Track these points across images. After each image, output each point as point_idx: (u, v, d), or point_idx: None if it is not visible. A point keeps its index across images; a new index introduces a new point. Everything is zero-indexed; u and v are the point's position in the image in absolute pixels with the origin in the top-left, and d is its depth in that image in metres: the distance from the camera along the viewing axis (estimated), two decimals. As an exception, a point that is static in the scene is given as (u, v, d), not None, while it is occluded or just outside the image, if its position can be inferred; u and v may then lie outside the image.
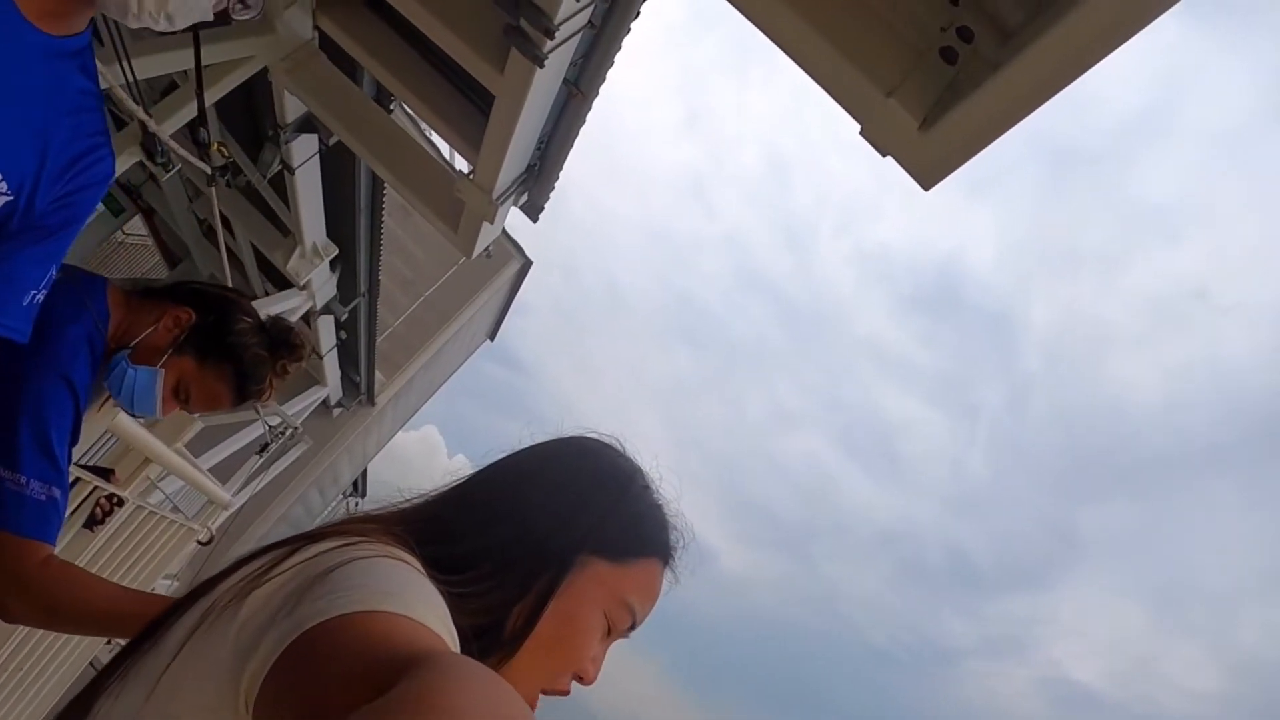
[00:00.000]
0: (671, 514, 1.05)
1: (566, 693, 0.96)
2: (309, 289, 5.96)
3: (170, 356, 1.82)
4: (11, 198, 1.20)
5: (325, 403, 9.62)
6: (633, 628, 1.00)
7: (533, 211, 4.33)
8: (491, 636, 0.88)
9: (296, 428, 7.44)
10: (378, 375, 10.38)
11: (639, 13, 3.03)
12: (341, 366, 8.83)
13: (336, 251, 5.95)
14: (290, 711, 0.60)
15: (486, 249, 4.61)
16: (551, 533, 0.94)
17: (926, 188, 1.97)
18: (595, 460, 1.04)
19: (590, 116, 3.66)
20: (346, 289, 6.75)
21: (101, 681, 0.83)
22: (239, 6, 1.25)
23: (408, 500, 0.98)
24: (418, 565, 0.80)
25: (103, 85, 3.08)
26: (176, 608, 0.83)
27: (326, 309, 6.78)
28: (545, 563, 0.92)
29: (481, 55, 3.05)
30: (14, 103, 1.17)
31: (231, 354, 1.88)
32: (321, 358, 7.75)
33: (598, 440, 1.07)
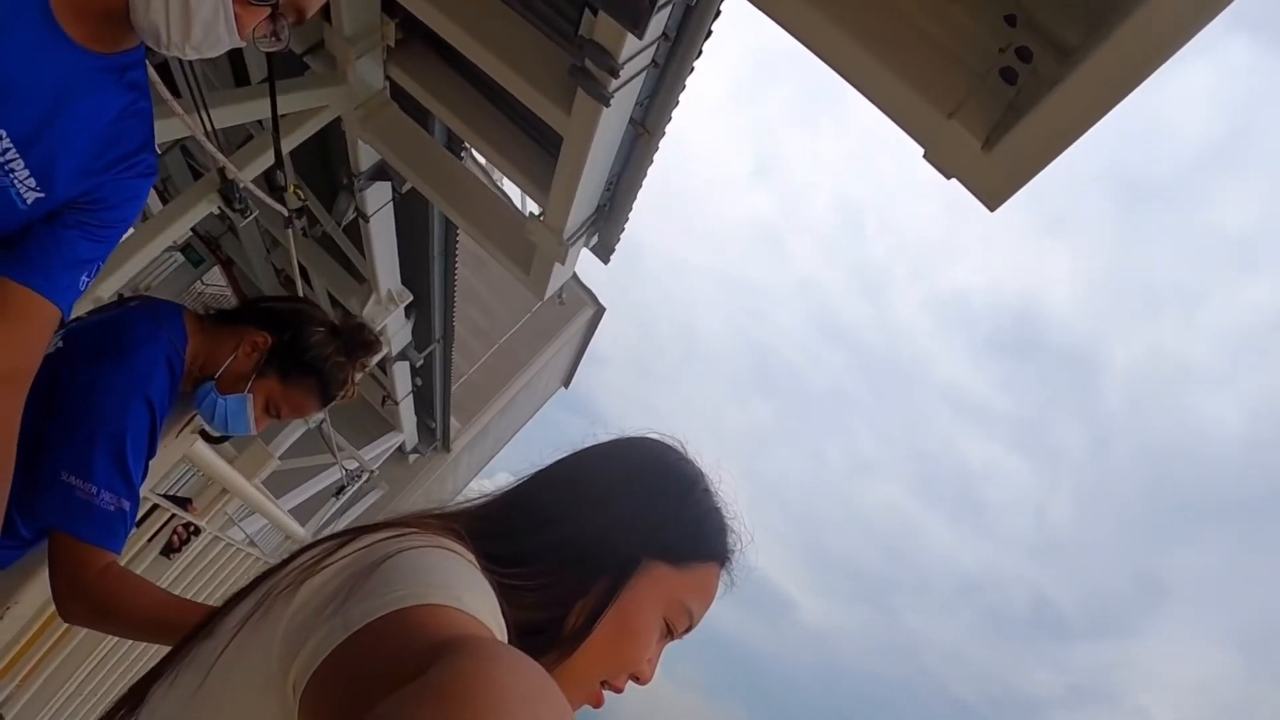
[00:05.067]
0: (731, 517, 1.04)
1: (621, 690, 0.96)
2: (384, 335, 6.07)
3: (255, 380, 1.89)
4: (43, 195, 1.33)
5: (401, 448, 9.76)
6: (689, 629, 1.00)
7: (604, 252, 4.37)
8: (550, 633, 0.89)
9: (373, 472, 7.55)
10: (453, 421, 10.49)
11: (701, 51, 3.06)
12: (417, 412, 8.96)
13: (411, 298, 6.06)
14: (337, 702, 0.61)
15: (559, 293, 4.67)
16: (615, 533, 0.94)
17: (992, 208, 1.96)
18: (659, 462, 1.04)
19: (661, 172, 3.70)
20: (421, 335, 6.87)
21: (160, 669, 0.85)
22: (266, 40, 1.33)
23: (469, 500, 1.00)
24: (470, 557, 0.81)
25: (184, 134, 3.22)
26: (234, 598, 0.85)
27: (402, 355, 6.90)
28: (608, 563, 0.93)
29: (549, 98, 3.12)
30: (56, 114, 1.29)
31: (312, 367, 1.93)
32: (398, 403, 7.88)
33: (660, 442, 1.06)
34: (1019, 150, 1.81)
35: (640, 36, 2.57)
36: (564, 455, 1.03)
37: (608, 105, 2.88)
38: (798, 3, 1.93)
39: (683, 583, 0.97)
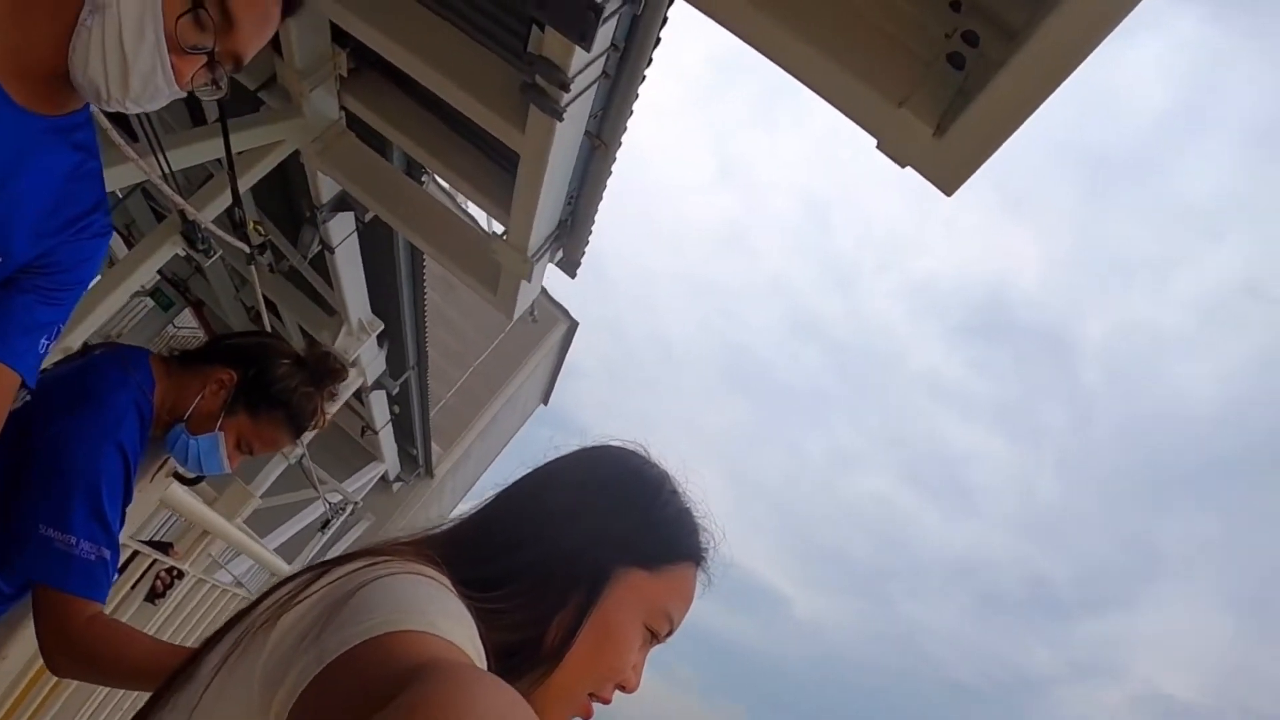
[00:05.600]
0: (701, 516, 1.04)
1: (608, 701, 0.95)
2: (358, 365, 6.06)
3: (225, 419, 1.89)
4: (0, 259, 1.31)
5: (385, 478, 9.72)
6: (670, 633, 1.00)
7: (570, 267, 4.37)
8: (530, 651, 0.88)
9: (357, 503, 7.51)
10: (434, 447, 10.46)
11: (651, 59, 3.07)
12: (397, 441, 8.92)
13: (382, 326, 6.04)
14: None
15: (530, 311, 4.66)
16: (584, 546, 0.93)
17: (948, 193, 1.98)
18: (623, 469, 1.03)
19: (623, 182, 3.70)
20: (396, 363, 6.85)
21: (146, 714, 0.85)
22: (207, 88, 1.32)
23: (437, 526, 0.99)
24: (445, 581, 0.80)
25: (141, 179, 3.21)
26: (209, 641, 0.84)
27: (378, 384, 6.87)
28: (580, 576, 0.92)
29: (502, 116, 3.13)
30: (7, 179, 1.27)
31: (280, 401, 1.93)
32: (377, 433, 7.84)
33: (622, 448, 1.06)
34: (971, 134, 1.83)
35: (588, 49, 2.57)
36: (527, 472, 1.03)
37: (561, 120, 2.89)
38: (740, 3, 1.95)
39: (659, 587, 0.97)
